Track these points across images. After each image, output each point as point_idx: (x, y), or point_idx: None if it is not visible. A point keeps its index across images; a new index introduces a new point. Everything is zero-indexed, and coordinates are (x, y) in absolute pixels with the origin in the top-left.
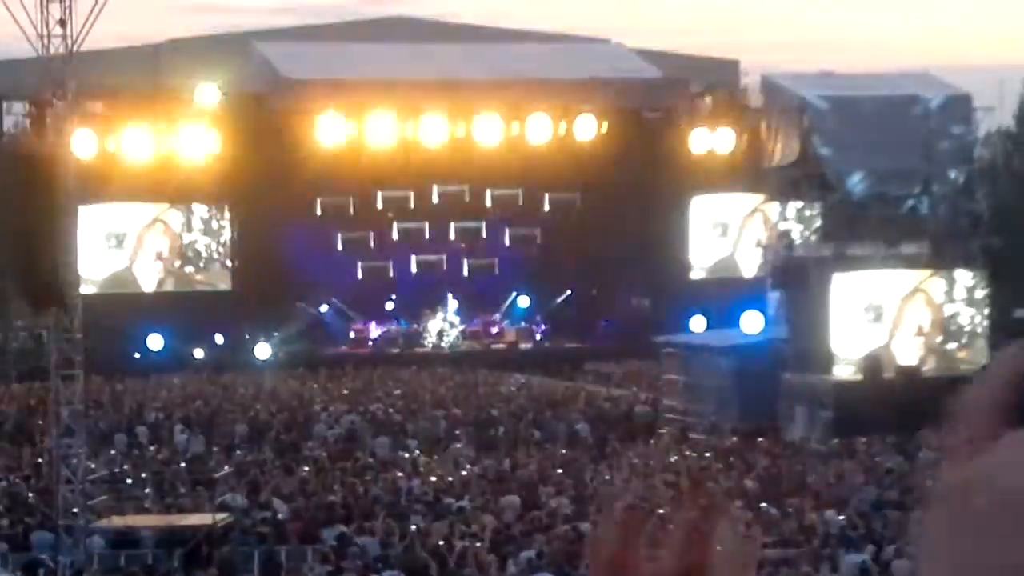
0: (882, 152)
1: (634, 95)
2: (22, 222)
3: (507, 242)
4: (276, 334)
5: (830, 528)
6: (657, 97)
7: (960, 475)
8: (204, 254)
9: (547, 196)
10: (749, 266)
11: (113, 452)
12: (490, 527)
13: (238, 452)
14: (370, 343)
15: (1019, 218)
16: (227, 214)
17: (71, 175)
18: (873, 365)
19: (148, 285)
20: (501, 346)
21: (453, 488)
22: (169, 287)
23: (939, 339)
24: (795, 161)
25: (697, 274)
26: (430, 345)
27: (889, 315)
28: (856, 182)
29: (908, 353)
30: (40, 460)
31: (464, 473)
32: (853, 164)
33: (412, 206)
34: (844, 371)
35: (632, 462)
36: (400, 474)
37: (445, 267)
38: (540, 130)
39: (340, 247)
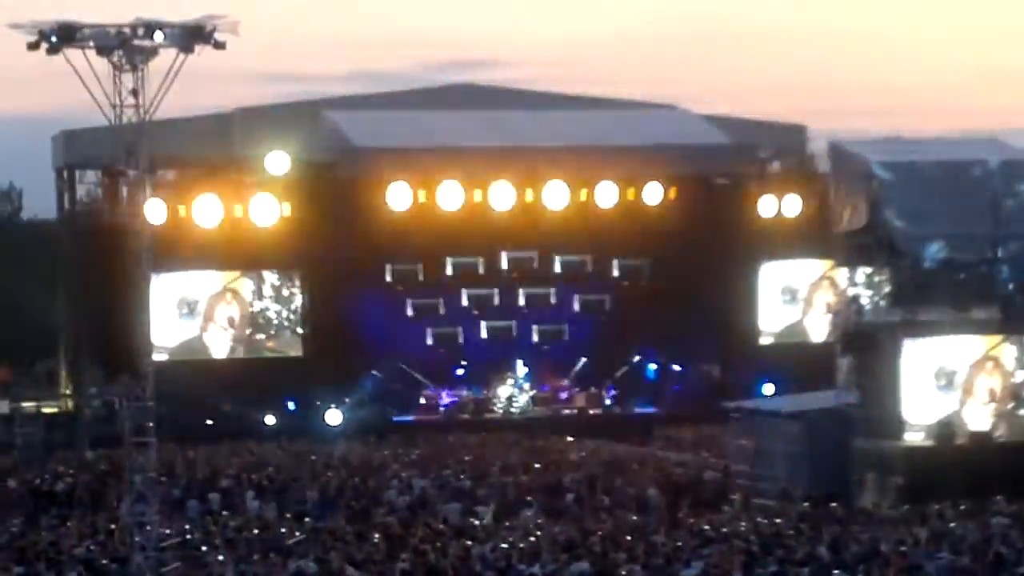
0: (950, 217)
1: (702, 161)
2: (95, 290)
3: (576, 308)
4: (347, 400)
5: None
6: (725, 163)
7: None
8: (275, 321)
9: (616, 262)
10: (818, 332)
11: (186, 520)
12: None
13: (309, 519)
14: (440, 409)
15: None
16: (297, 281)
17: (144, 244)
18: (945, 431)
19: (219, 352)
20: (571, 411)
21: (524, 554)
22: (240, 354)
23: (1011, 405)
24: (864, 227)
25: (766, 340)
26: (500, 411)
27: (960, 381)
28: (935, 251)
29: (980, 419)
30: (113, 527)
31: (534, 539)
32: (924, 233)
33: (481, 272)
34: (915, 437)
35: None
36: (471, 540)
37: (514, 333)
38: (609, 196)
39: (410, 313)
